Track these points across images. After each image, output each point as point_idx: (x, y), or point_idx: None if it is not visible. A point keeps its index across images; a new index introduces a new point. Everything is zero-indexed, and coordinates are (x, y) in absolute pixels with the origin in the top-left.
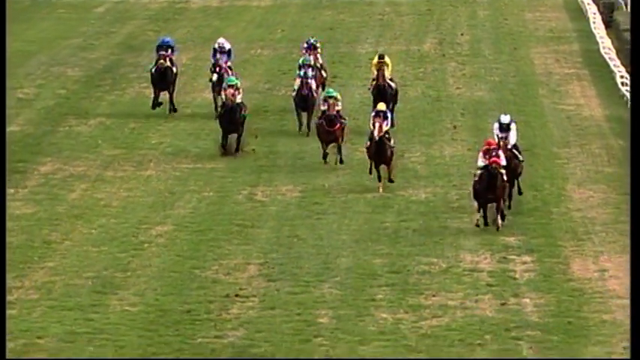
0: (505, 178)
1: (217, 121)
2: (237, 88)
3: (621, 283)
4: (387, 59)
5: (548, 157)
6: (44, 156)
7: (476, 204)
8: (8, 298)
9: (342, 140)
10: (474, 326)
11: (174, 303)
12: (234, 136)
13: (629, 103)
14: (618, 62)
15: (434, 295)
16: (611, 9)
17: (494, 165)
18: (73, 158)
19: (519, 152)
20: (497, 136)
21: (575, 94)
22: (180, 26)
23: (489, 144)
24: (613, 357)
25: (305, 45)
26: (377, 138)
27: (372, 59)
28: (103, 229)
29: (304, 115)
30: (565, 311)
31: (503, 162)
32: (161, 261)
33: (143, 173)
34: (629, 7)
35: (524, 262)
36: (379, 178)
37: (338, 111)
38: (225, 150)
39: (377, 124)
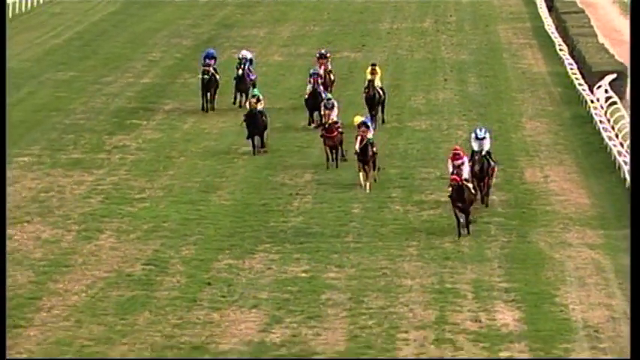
0: (472, 190)
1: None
2: (259, 100)
3: (558, 185)
4: (377, 68)
5: (509, 100)
6: (166, 99)
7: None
8: (141, 195)
9: (341, 147)
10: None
11: (254, 199)
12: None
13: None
14: (557, 35)
15: (431, 194)
16: None
17: (453, 183)
18: (186, 100)
19: (491, 158)
20: (473, 147)
21: (528, 56)
22: (258, 10)
23: (455, 150)
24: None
25: (317, 55)
26: (358, 150)
27: (367, 69)
28: (206, 148)
29: (315, 113)
30: (520, 204)
31: (466, 175)
32: (246, 170)
33: (234, 110)
34: None
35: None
36: (366, 176)
37: (335, 122)
38: (254, 148)
39: (359, 138)
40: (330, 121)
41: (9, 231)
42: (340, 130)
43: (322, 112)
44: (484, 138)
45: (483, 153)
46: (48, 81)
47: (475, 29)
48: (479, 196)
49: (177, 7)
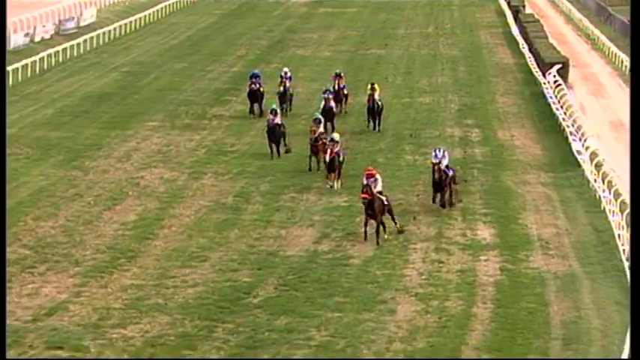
0: (386, 202)
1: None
2: (277, 114)
3: (521, 141)
4: (375, 85)
5: (486, 82)
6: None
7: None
8: (232, 149)
9: (323, 155)
10: (450, 162)
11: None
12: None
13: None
14: (520, 37)
15: (432, 148)
16: (517, 11)
17: (363, 200)
18: (263, 84)
19: (449, 169)
20: (433, 161)
21: (500, 52)
22: (313, 21)
23: (368, 170)
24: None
25: (334, 74)
26: (328, 160)
27: (367, 86)
28: None
29: (328, 124)
30: (495, 155)
31: (379, 188)
32: (305, 132)
33: (295, 90)
34: (527, 9)
35: (475, 132)
36: (331, 180)
37: (321, 132)
38: (271, 154)
39: (329, 150)
40: (316, 134)
41: (142, 173)
42: (324, 141)
43: (310, 126)
44: (443, 157)
45: (443, 166)
46: (168, 70)
47: (463, 33)
48: (452, 198)
49: (257, 18)
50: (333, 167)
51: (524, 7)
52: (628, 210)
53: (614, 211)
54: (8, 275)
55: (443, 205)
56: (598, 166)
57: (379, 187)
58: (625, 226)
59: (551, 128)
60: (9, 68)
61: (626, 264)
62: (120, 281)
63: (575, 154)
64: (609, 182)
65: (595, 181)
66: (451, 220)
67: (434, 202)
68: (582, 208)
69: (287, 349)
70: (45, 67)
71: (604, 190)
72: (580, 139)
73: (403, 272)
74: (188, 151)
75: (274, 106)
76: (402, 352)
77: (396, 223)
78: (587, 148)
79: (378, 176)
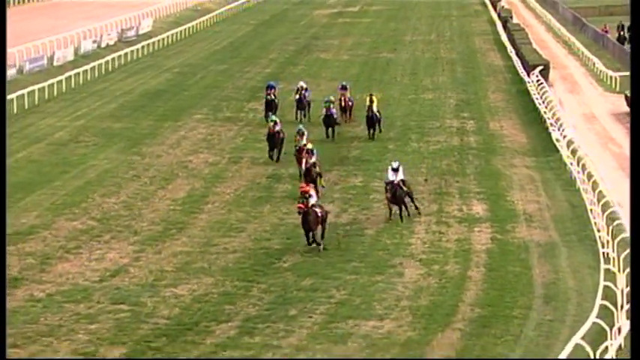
0: (319, 214)
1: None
2: (277, 123)
3: (508, 131)
4: (374, 97)
5: (480, 81)
6: (281, 81)
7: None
8: (264, 137)
9: (307, 162)
10: (449, 149)
11: (329, 141)
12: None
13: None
14: (509, 43)
15: (435, 137)
16: (506, 21)
17: (299, 210)
18: (290, 83)
19: (405, 184)
20: (388, 177)
21: (491, 56)
22: (334, 29)
23: (302, 187)
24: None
25: (340, 86)
26: (304, 170)
27: (366, 96)
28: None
29: (330, 130)
30: (487, 143)
31: (313, 201)
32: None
33: (316, 87)
34: (514, 19)
35: (470, 123)
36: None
37: (305, 144)
38: (271, 159)
39: (304, 160)
40: (300, 145)
41: (189, 157)
42: (308, 150)
43: (295, 137)
44: (397, 169)
45: (396, 182)
46: (212, 71)
47: (461, 40)
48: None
49: (286, 27)
50: (311, 178)
51: (511, 17)
52: (599, 189)
53: (587, 190)
54: (79, 243)
55: (402, 218)
56: (573, 152)
57: (313, 201)
58: (596, 202)
59: (534, 120)
60: (79, 70)
61: (597, 234)
62: (171, 248)
63: (555, 141)
64: (583, 165)
65: (571, 164)
66: (449, 197)
67: (390, 217)
68: (560, 187)
69: (311, 305)
70: (109, 68)
71: (578, 172)
72: (558, 129)
73: (409, 241)
74: (228, 140)
75: (274, 117)
76: (409, 309)
77: (323, 237)
78: (564, 137)
79: (312, 192)
